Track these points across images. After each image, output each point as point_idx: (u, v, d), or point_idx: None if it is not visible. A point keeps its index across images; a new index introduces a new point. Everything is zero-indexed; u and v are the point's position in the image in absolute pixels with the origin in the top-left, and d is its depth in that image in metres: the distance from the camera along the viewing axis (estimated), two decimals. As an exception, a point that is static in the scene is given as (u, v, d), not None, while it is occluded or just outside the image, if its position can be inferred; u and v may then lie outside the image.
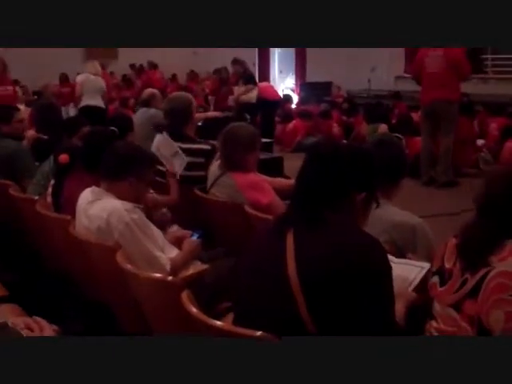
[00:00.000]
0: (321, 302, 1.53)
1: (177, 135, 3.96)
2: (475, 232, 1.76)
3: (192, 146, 3.91)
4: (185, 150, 3.85)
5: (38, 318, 1.75)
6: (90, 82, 8.32)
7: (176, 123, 3.99)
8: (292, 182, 3.48)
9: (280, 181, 3.64)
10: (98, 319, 2.98)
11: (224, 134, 3.37)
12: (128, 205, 2.64)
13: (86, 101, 8.16)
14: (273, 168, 4.80)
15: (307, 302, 1.53)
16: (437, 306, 1.81)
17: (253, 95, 9.43)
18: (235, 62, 9.74)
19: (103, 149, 3.28)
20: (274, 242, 1.66)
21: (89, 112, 7.55)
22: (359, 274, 1.54)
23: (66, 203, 3.27)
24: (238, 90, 9.44)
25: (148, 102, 5.94)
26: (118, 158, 2.74)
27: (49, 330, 1.58)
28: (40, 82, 11.68)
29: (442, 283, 1.81)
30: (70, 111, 10.17)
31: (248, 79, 9.64)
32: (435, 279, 1.84)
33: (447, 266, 1.81)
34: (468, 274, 1.72)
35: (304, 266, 1.55)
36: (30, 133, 5.05)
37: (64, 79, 12.86)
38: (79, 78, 8.62)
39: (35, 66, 14.99)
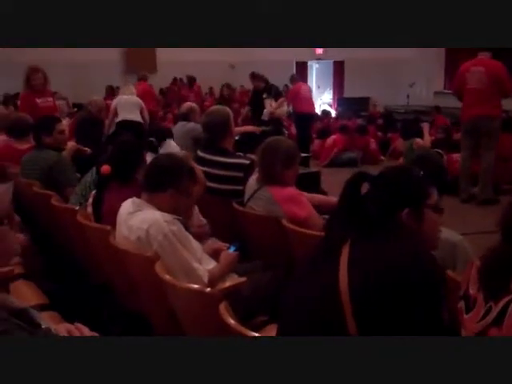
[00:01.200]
0: (369, 317, 1.53)
1: (215, 149, 3.99)
2: (497, 257, 1.74)
3: (230, 160, 3.93)
4: (223, 164, 3.88)
5: (80, 325, 1.78)
6: (125, 99, 8.38)
7: (214, 137, 4.02)
8: (331, 199, 3.50)
9: (319, 197, 3.63)
10: (136, 328, 3.02)
11: (263, 148, 3.39)
12: (168, 216, 2.67)
13: (123, 115, 8.23)
14: (310, 182, 4.80)
15: (355, 317, 1.53)
16: (463, 333, 1.79)
17: (284, 109, 9.45)
18: (254, 76, 9.69)
19: (130, 159, 3.36)
20: (328, 254, 1.67)
21: (126, 126, 7.65)
22: (411, 291, 1.53)
23: (106, 214, 3.33)
24: (269, 104, 9.37)
25: (187, 116, 6.01)
26: (160, 170, 2.78)
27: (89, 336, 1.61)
28: (80, 95, 11.91)
29: (468, 310, 1.79)
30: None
31: (277, 93, 9.63)
32: (461, 304, 1.83)
33: (471, 291, 1.79)
34: (492, 302, 1.69)
35: (356, 281, 1.55)
36: (70, 144, 5.15)
37: (110, 91, 13.06)
38: (113, 101, 8.72)
39: (75, 79, 15.34)
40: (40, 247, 3.83)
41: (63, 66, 14.49)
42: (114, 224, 2.97)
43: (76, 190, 4.02)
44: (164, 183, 2.73)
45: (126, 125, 7.74)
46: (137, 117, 8.24)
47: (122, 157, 3.39)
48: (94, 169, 3.81)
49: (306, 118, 10.06)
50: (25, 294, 2.89)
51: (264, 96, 9.36)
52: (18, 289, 2.86)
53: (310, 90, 10.92)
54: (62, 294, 3.27)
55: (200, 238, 3.13)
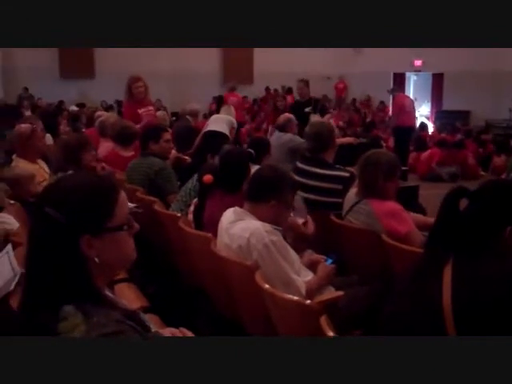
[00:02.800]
0: (471, 334, 1.50)
1: (316, 160, 4.00)
2: None
3: (330, 172, 3.92)
4: (323, 176, 3.88)
5: (184, 329, 1.84)
6: (218, 116, 8.36)
7: (318, 148, 4.01)
8: (428, 220, 3.41)
9: (417, 218, 3.55)
10: (230, 334, 3.06)
11: (364, 160, 3.36)
12: (268, 226, 2.70)
13: (211, 127, 8.23)
14: (408, 196, 4.70)
15: (458, 333, 1.51)
16: None
17: None
18: (306, 84, 8.80)
19: (239, 170, 3.42)
20: (430, 271, 1.65)
21: (211, 136, 7.71)
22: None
23: (207, 221, 3.42)
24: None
25: (284, 127, 6.05)
26: (263, 181, 2.82)
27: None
28: (179, 105, 12.23)
29: None
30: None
31: (323, 109, 9.14)
32: None
33: None
34: None
35: (461, 298, 1.53)
36: (172, 152, 5.33)
37: (219, 101, 13.33)
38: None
39: (174, 89, 15.81)
40: (140, 251, 3.96)
41: (163, 77, 14.98)
42: (213, 231, 3.05)
43: (177, 197, 4.15)
44: (267, 194, 2.77)
45: (212, 135, 7.80)
46: (223, 129, 8.11)
47: (230, 167, 3.46)
48: (196, 177, 3.92)
49: (406, 131, 9.85)
50: (128, 297, 2.99)
51: (307, 110, 8.34)
52: (121, 291, 2.97)
53: (413, 103, 10.64)
54: (160, 298, 3.38)
55: (297, 249, 3.15)
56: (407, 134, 9.95)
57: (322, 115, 8.86)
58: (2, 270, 2.35)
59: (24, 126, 4.55)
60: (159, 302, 3.12)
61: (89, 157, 4.11)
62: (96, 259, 1.44)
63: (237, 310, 2.99)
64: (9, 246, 2.52)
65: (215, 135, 7.68)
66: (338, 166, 4.02)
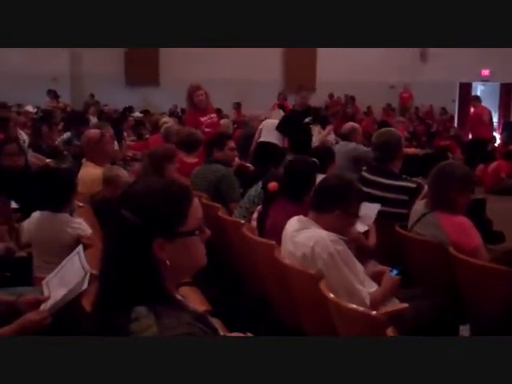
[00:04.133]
0: None
1: (382, 170, 3.95)
2: None
3: (396, 183, 3.87)
4: (389, 186, 3.83)
5: (250, 335, 1.86)
6: (271, 123, 8.12)
7: (385, 157, 3.96)
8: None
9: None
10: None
11: (438, 171, 3.28)
12: (333, 236, 2.69)
13: (264, 137, 8.12)
14: (474, 209, 4.59)
15: None
16: None
17: (332, 137, 8.53)
18: (303, 91, 8.29)
19: (303, 179, 3.42)
20: None
21: (263, 146, 7.69)
22: None
23: (269, 229, 3.43)
24: (317, 131, 8.18)
25: (348, 136, 6.01)
26: (329, 190, 2.81)
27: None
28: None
29: None
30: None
31: (324, 120, 8.72)
32: None
33: None
34: None
35: None
36: (235, 160, 5.38)
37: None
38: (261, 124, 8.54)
39: (236, 97, 15.94)
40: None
41: (225, 84, 15.13)
42: (276, 239, 3.06)
43: (240, 203, 4.18)
44: (332, 204, 2.76)
45: (263, 146, 7.73)
46: (274, 139, 7.82)
47: (294, 176, 3.47)
48: (260, 184, 3.94)
49: (480, 143, 9.56)
50: (191, 300, 3.01)
51: (307, 120, 7.65)
52: (184, 294, 3.01)
53: (491, 115, 10.26)
54: (222, 303, 3.40)
55: (361, 259, 3.12)
56: (482, 147, 9.65)
57: (323, 126, 8.58)
58: (73, 270, 2.41)
59: (93, 131, 4.69)
60: (221, 306, 3.15)
61: (172, 168, 4.21)
62: (167, 262, 1.46)
63: (299, 317, 2.98)
64: (80, 247, 2.59)
65: (267, 146, 7.63)
66: (404, 176, 3.95)
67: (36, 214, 3.36)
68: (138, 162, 6.51)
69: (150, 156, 4.40)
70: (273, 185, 3.46)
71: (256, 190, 4.01)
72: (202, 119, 6.48)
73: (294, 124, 7.51)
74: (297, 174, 3.47)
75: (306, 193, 3.27)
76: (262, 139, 7.97)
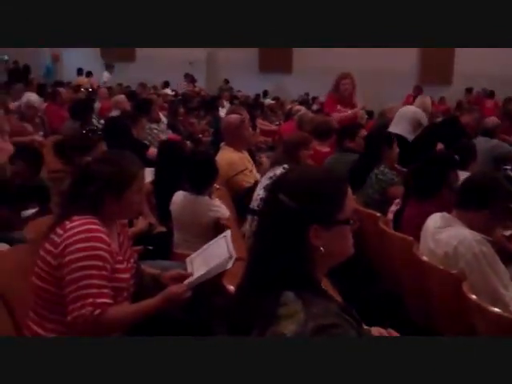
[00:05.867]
0: None
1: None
2: None
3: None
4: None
5: (392, 331, 1.83)
6: (402, 111, 7.71)
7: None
8: None
9: None
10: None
11: None
12: (478, 236, 2.58)
13: (392, 127, 7.69)
14: None
15: None
16: None
17: None
18: None
19: (436, 176, 3.30)
20: None
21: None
22: None
23: (405, 224, 3.35)
24: None
25: (492, 132, 5.71)
26: (475, 188, 2.69)
27: None
28: (371, 103, 12.09)
29: None
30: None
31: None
32: None
33: None
34: None
35: None
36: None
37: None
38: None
39: (367, 87, 15.62)
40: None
41: (357, 74, 14.89)
42: (411, 234, 3.01)
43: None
44: (479, 203, 2.64)
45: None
46: (403, 130, 7.38)
47: (426, 173, 3.39)
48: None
49: None
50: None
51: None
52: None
53: None
54: (354, 296, 3.36)
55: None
56: None
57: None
58: (218, 253, 2.46)
59: (233, 117, 4.79)
60: (352, 300, 3.12)
61: (306, 155, 4.23)
62: (321, 250, 1.46)
63: (433, 317, 2.89)
64: (228, 231, 2.63)
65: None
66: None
67: (179, 195, 3.50)
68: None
69: (285, 143, 4.43)
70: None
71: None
72: (342, 109, 6.41)
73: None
74: (430, 170, 3.37)
75: (437, 190, 3.20)
76: (389, 129, 7.70)
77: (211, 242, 2.58)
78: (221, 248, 2.44)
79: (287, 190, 1.48)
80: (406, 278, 3.17)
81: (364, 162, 4.35)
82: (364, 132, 5.11)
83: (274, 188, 1.53)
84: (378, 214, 3.56)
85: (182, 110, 8.55)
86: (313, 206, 1.46)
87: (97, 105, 9.15)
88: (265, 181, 3.90)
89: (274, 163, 4.10)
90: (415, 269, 2.89)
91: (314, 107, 10.93)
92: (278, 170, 3.82)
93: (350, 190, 1.53)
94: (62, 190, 3.13)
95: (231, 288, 2.32)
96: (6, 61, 17.50)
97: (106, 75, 15.97)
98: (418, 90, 11.55)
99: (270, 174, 3.90)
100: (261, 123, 9.82)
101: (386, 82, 15.50)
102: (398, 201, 3.59)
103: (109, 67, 16.09)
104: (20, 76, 10.44)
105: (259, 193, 3.90)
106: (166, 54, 15.57)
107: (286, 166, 3.79)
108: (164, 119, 7.68)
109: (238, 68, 16.57)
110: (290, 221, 1.46)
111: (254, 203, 3.90)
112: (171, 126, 7.51)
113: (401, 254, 3.09)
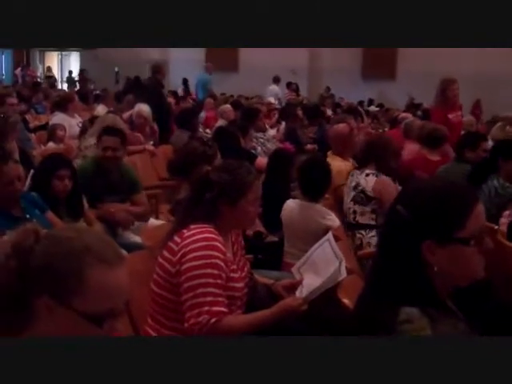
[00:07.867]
0: None
1: None
2: None
3: None
4: None
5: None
6: None
7: None
8: None
9: None
10: None
11: None
12: None
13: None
14: None
15: None
16: None
17: None
18: None
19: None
20: None
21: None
22: None
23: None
24: None
25: None
26: None
27: None
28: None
29: None
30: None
31: None
32: None
33: None
34: None
35: None
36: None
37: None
38: None
39: (476, 93, 15.02)
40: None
41: (465, 79, 14.35)
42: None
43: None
44: None
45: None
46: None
47: None
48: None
49: None
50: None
51: None
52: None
53: None
54: (473, 310, 3.22)
55: None
56: None
57: None
58: (325, 258, 2.41)
59: (342, 126, 4.74)
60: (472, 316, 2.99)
61: (391, 158, 4.10)
62: (435, 268, 1.39)
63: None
64: (329, 234, 2.58)
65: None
66: None
67: (291, 203, 3.50)
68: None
69: (367, 144, 4.26)
70: None
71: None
72: (450, 116, 6.19)
73: None
74: None
75: None
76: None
77: (315, 246, 2.54)
78: (327, 254, 2.40)
79: (405, 200, 1.45)
80: None
81: (479, 173, 4.16)
82: (487, 145, 4.85)
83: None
84: (496, 227, 3.41)
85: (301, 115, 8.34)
86: (427, 220, 1.39)
87: (202, 114, 9.32)
88: (350, 192, 3.88)
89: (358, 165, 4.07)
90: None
91: (419, 113, 10.62)
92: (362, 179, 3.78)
93: (480, 208, 1.43)
94: (179, 199, 3.21)
95: (346, 301, 2.28)
96: (117, 72, 18.33)
97: (275, 88, 14.70)
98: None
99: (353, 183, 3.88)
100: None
101: (497, 87, 14.81)
102: (508, 212, 3.41)
103: (276, 80, 14.84)
104: (131, 87, 10.88)
105: (349, 206, 3.88)
106: (268, 63, 15.78)
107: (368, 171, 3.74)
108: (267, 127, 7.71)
109: (340, 75, 16.49)
110: (403, 232, 1.41)
111: (350, 217, 3.87)
112: (289, 133, 7.48)
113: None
